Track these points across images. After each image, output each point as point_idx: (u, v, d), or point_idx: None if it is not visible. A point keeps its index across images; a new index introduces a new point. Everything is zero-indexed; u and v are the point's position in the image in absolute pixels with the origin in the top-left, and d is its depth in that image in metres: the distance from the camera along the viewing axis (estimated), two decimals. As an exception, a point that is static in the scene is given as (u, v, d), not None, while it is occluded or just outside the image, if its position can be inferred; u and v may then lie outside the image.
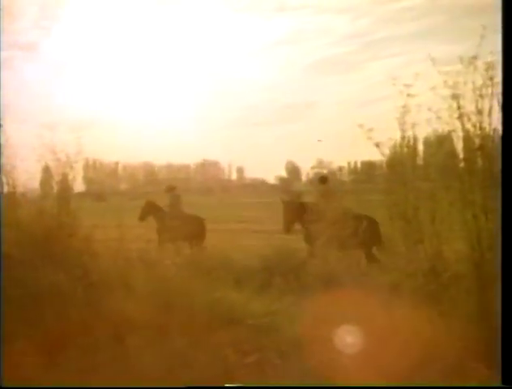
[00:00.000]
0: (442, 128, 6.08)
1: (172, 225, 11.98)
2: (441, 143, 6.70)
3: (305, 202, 12.07)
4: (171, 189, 13.44)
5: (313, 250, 10.07)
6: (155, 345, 5.82)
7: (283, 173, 48.93)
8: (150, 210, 13.16)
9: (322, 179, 12.07)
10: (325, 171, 49.78)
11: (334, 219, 9.99)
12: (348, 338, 5.63)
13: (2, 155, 8.17)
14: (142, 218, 12.96)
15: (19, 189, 8.63)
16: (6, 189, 8.49)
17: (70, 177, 8.80)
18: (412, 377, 4.99)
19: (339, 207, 10.88)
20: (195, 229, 12.30)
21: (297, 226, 11.62)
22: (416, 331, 5.38)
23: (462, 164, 6.02)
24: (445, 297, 5.60)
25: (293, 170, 47.96)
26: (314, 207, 11.27)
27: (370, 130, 6.17)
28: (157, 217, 12.96)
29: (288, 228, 11.59)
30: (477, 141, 5.81)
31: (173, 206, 13.06)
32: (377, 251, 10.12)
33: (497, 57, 5.34)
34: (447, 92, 5.81)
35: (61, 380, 5.22)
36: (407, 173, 6.35)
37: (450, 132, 6.07)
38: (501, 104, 5.37)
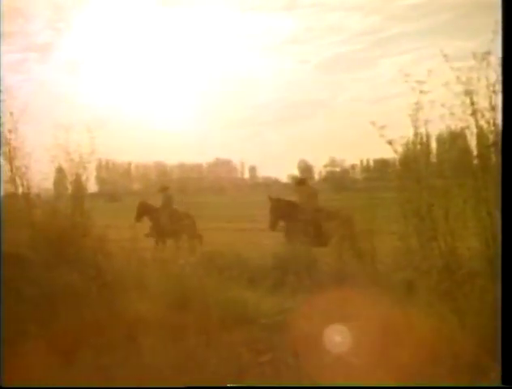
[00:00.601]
0: (456, 125, 6.03)
1: (166, 223, 12.77)
2: (454, 139, 6.64)
3: (292, 200, 12.32)
4: (164, 189, 14.10)
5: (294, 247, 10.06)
6: (168, 345, 5.83)
7: (296, 172, 48.83)
8: (144, 210, 13.64)
9: (301, 181, 12.81)
10: (337, 169, 49.72)
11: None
12: (361, 336, 5.60)
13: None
14: (137, 219, 13.29)
15: (34, 190, 8.71)
16: (20, 190, 8.57)
17: (84, 178, 8.87)
18: (425, 374, 4.95)
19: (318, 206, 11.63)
20: (187, 226, 12.63)
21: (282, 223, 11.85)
22: (430, 328, 5.35)
23: (475, 161, 5.95)
24: (459, 294, 5.56)
25: (306, 169, 47.79)
26: (299, 205, 11.71)
27: (382, 127, 6.12)
28: (151, 217, 13.49)
29: (273, 226, 11.80)
30: (491, 137, 5.74)
31: (166, 205, 13.60)
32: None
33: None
34: (460, 88, 5.75)
35: (75, 379, 5.24)
36: (420, 170, 6.28)
37: (463, 129, 6.01)
38: (501, 103, 5.30)
